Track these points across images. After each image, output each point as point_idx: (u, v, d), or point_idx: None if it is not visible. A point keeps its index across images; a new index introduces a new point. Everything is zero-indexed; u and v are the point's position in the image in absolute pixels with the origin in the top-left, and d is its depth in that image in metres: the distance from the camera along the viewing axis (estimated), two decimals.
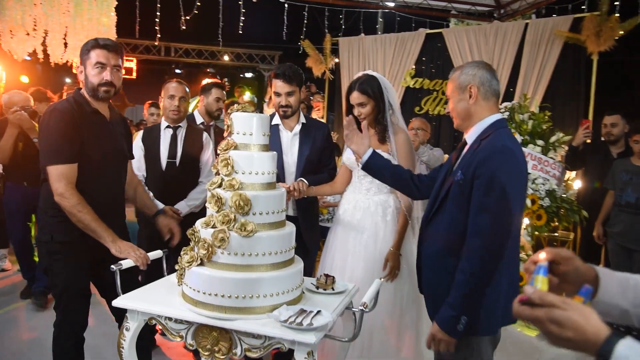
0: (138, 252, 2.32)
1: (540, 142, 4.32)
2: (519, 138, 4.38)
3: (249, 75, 11.59)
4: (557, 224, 4.34)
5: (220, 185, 2.04)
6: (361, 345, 2.70)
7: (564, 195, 4.26)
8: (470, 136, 2.02)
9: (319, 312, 1.96)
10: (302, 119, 3.12)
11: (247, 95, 8.55)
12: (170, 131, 3.31)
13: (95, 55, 2.40)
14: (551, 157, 4.30)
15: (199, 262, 1.99)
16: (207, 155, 3.40)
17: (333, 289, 2.29)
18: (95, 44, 2.42)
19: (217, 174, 2.07)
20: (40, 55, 6.14)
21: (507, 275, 1.93)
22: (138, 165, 3.22)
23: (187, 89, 3.37)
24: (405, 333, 2.75)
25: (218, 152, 2.07)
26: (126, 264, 2.25)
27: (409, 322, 2.77)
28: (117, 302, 2.07)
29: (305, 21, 7.01)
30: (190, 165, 3.32)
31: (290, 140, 3.07)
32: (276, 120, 3.07)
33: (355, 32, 6.88)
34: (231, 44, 10.37)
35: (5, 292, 4.48)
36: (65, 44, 6.11)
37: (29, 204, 4.03)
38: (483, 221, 1.82)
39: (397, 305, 2.77)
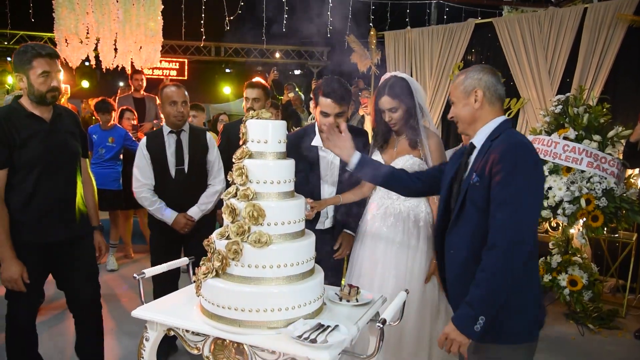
0: (16, 275, 2.47)
1: (597, 137, 4.00)
2: (572, 133, 4.08)
3: (297, 72, 11.59)
4: (615, 225, 4.00)
5: (235, 195, 1.99)
6: (388, 353, 2.61)
7: (623, 195, 3.92)
8: (478, 140, 1.97)
9: (336, 327, 1.87)
10: None
11: (296, 93, 8.53)
12: (174, 136, 3.26)
13: (39, 64, 2.50)
14: (609, 154, 3.97)
15: (214, 274, 1.96)
16: (213, 155, 3.36)
17: (357, 300, 2.19)
18: (37, 53, 2.50)
19: (232, 183, 2.02)
20: (93, 62, 6.39)
21: (536, 278, 1.85)
22: (146, 173, 3.23)
23: (186, 92, 3.28)
24: (435, 343, 2.61)
25: (233, 160, 2.02)
26: (149, 272, 2.26)
27: (440, 331, 2.62)
28: (137, 313, 2.07)
29: (350, 16, 6.89)
30: (198, 169, 3.29)
31: (331, 163, 2.87)
32: (317, 141, 2.83)
33: (403, 26, 6.68)
34: (280, 42, 10.41)
35: None
36: (116, 49, 6.33)
37: None
38: (505, 215, 1.75)
39: (426, 315, 2.64)
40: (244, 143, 2.03)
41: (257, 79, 3.80)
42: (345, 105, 2.72)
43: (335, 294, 2.23)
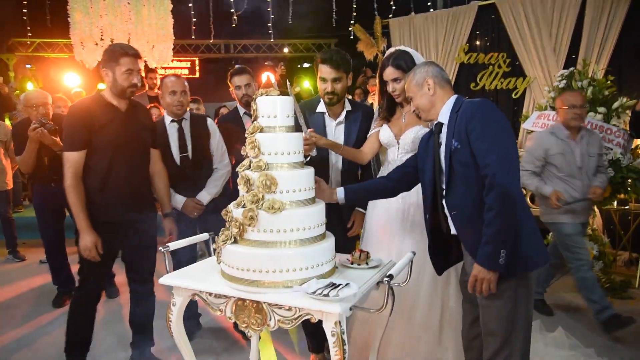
0: (90, 245, 2.77)
1: (601, 109, 4.07)
2: None
3: (306, 65, 11.73)
4: (623, 196, 4.07)
5: (248, 167, 2.14)
6: (403, 318, 2.72)
7: (630, 165, 3.99)
8: (443, 117, 2.25)
9: (347, 284, 2.01)
10: (347, 106, 3.07)
11: (307, 84, 8.66)
12: (176, 125, 3.38)
13: (125, 62, 2.79)
14: (614, 125, 4.04)
15: (232, 240, 2.12)
16: (216, 140, 3.48)
17: (367, 264, 2.33)
18: (124, 52, 2.80)
19: (246, 156, 2.18)
20: None
21: (527, 208, 2.16)
22: None
23: (186, 83, 3.41)
24: (447, 306, 2.73)
25: (245, 135, 2.17)
26: (173, 245, 2.43)
27: (451, 296, 2.74)
28: (164, 280, 2.24)
29: (355, 6, 6.99)
30: (202, 155, 3.42)
31: (335, 129, 3.05)
32: (321, 107, 3.03)
33: (407, 12, 6.76)
34: (287, 36, 10.57)
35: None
36: None
37: (58, 203, 4.08)
38: (493, 159, 1.99)
39: (439, 282, 2.75)
40: (255, 119, 2.18)
41: (242, 66, 3.90)
42: (342, 71, 2.89)
43: (347, 259, 2.38)
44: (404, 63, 2.75)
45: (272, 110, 2.15)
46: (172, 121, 3.40)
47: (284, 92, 6.42)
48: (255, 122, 2.18)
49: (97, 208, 2.84)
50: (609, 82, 4.17)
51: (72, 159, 2.79)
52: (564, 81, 4.29)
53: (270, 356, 3.15)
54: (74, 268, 3.67)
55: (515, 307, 2.10)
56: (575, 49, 5.18)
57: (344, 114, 3.05)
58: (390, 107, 2.91)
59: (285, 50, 11.38)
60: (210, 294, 2.16)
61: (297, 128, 2.30)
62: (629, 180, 3.97)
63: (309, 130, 2.70)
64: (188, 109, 3.52)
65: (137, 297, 3.14)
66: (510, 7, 5.60)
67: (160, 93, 3.43)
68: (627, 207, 4.58)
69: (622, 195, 4.08)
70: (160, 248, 2.37)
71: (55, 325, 3.82)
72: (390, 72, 2.78)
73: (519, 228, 2.02)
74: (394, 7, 6.93)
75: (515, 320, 2.11)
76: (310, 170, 2.20)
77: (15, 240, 5.69)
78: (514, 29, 5.57)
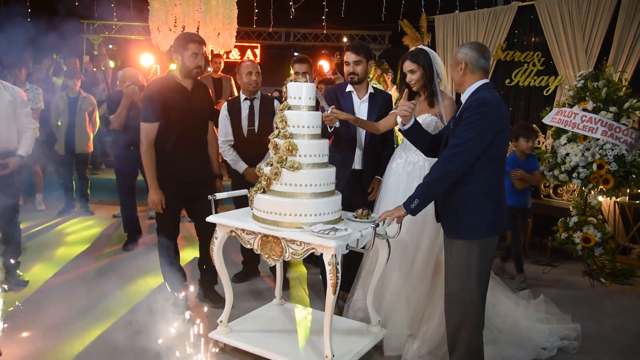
0: (157, 201, 3.44)
1: (613, 108, 4.41)
2: (591, 105, 4.52)
3: None
4: (627, 188, 4.41)
5: (277, 135, 2.81)
6: (403, 270, 3.30)
7: (634, 161, 4.32)
8: (464, 98, 2.62)
9: (345, 229, 2.64)
10: (371, 89, 3.71)
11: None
12: (248, 102, 4.07)
13: (192, 47, 3.42)
14: (623, 124, 4.37)
15: (261, 190, 2.80)
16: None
17: (367, 219, 2.95)
18: (191, 39, 3.45)
19: (277, 127, 2.84)
20: None
21: (492, 195, 2.54)
22: (226, 131, 4.08)
23: (259, 67, 4.09)
24: (440, 263, 3.25)
25: (277, 111, 2.84)
26: (219, 195, 3.15)
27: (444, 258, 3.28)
28: (210, 219, 2.97)
29: (403, 2, 7.45)
30: (266, 130, 3.94)
31: (360, 106, 3.69)
32: (349, 88, 3.69)
33: (453, 10, 7.13)
34: (344, 26, 11.14)
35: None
36: None
37: (133, 165, 4.98)
38: (455, 142, 2.49)
39: (436, 245, 3.28)
40: (285, 99, 2.85)
41: (303, 55, 4.60)
42: (362, 56, 3.55)
43: (353, 214, 3.00)
44: (420, 58, 3.30)
45: (298, 93, 2.80)
46: (246, 99, 4.09)
47: (331, 80, 6.94)
48: (285, 101, 2.85)
49: (169, 169, 3.49)
50: (625, 83, 4.48)
51: (147, 129, 3.44)
52: (582, 81, 4.64)
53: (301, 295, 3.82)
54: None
55: (467, 266, 2.56)
56: (607, 52, 5.44)
57: (367, 95, 3.69)
58: (410, 95, 3.47)
59: (345, 40, 11.95)
60: (243, 231, 2.86)
61: (317, 109, 2.93)
62: (633, 175, 4.31)
63: (331, 107, 3.33)
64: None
65: (205, 248, 3.66)
66: (548, 9, 5.89)
67: (238, 75, 4.11)
68: (638, 201, 4.89)
69: (625, 187, 4.42)
70: (209, 196, 3.09)
71: (126, 263, 4.71)
72: (407, 65, 3.34)
73: (466, 204, 2.51)
74: (440, 4, 7.32)
75: (468, 276, 2.56)
76: (324, 141, 2.84)
77: (87, 197, 6.61)
78: (550, 29, 5.86)
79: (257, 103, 4.12)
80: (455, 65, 2.65)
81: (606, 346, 3.40)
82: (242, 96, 4.12)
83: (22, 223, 4.45)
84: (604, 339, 3.49)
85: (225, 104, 4.18)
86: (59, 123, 6.33)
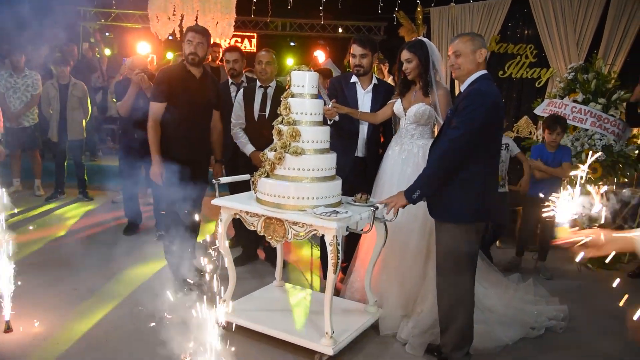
0: (158, 173, 3.64)
1: (601, 100, 4.56)
2: (581, 97, 4.67)
3: None
4: (613, 177, 4.57)
5: (281, 122, 2.92)
6: (399, 250, 3.44)
7: (621, 151, 4.48)
8: (464, 87, 2.74)
9: (345, 212, 2.77)
10: (375, 81, 3.84)
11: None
12: (262, 90, 4.24)
13: (188, 35, 3.68)
14: (612, 115, 4.53)
15: (265, 174, 2.92)
16: None
17: (366, 203, 3.08)
18: (189, 28, 3.75)
19: (280, 114, 2.95)
20: (178, 36, 7.51)
21: (481, 183, 2.67)
22: (239, 114, 4.26)
23: (274, 56, 4.27)
24: (433, 254, 3.39)
25: (281, 99, 2.95)
26: (224, 180, 3.26)
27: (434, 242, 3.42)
28: (215, 201, 3.09)
29: None
30: (277, 116, 4.20)
31: (364, 96, 3.82)
32: (354, 79, 3.81)
33: (448, 2, 7.24)
34: (340, 17, 11.20)
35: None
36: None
37: (139, 152, 4.84)
38: (452, 134, 2.61)
39: (426, 230, 3.42)
40: (289, 87, 2.96)
41: (233, 45, 4.80)
42: (368, 49, 3.68)
43: (352, 199, 3.13)
44: (417, 49, 3.42)
45: (302, 81, 2.91)
46: (260, 87, 4.26)
47: (328, 71, 7.00)
48: (288, 89, 2.96)
49: (173, 148, 3.70)
50: (613, 76, 4.63)
51: (154, 108, 3.70)
52: (572, 73, 4.79)
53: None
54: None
55: (457, 249, 2.71)
56: (597, 45, 5.59)
57: (371, 86, 3.82)
58: (406, 85, 3.59)
59: (340, 30, 12.00)
60: (247, 213, 2.98)
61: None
62: (620, 165, 4.47)
63: (332, 101, 3.44)
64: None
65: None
66: (541, 2, 6.03)
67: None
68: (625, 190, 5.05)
69: (611, 177, 4.58)
70: (213, 180, 3.21)
71: (126, 247, 4.82)
72: (404, 54, 3.45)
73: (456, 190, 2.64)
74: None
75: (458, 259, 2.72)
76: (326, 128, 2.96)
77: (85, 182, 6.63)
78: (543, 22, 6.00)
79: (270, 91, 4.27)
80: (470, 51, 2.64)
81: (591, 326, 3.58)
82: (258, 84, 4.29)
83: (20, 207, 4.52)
84: (589, 320, 3.67)
85: (242, 89, 4.36)
86: (50, 110, 6.36)
